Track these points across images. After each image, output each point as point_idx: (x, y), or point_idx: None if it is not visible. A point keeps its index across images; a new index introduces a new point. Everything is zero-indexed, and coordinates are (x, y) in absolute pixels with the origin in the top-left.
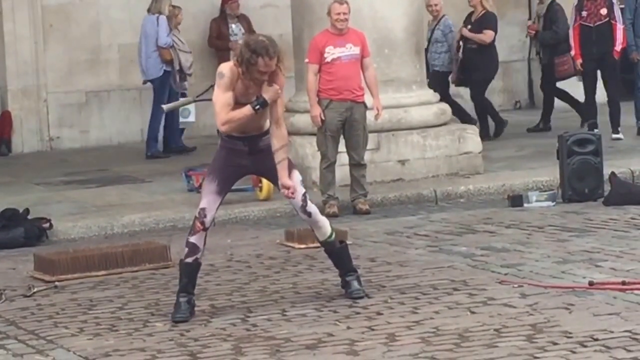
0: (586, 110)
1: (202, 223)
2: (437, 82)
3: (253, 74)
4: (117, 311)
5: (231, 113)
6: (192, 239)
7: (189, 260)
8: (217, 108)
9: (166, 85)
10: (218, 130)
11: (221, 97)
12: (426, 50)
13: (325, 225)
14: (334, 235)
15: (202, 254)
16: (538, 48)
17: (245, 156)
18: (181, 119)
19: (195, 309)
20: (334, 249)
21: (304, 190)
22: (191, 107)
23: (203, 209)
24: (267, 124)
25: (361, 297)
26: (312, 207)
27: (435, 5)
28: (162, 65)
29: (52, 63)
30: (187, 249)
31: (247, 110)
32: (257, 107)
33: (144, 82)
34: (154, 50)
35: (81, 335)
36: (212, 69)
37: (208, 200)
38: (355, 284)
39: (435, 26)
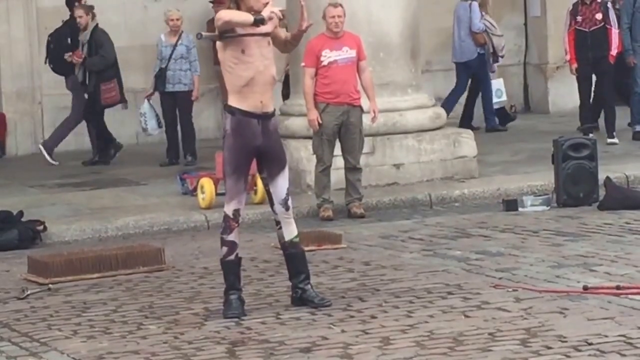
0: (582, 115)
1: (237, 222)
2: (186, 103)
3: (249, 4)
4: (111, 314)
5: (232, 11)
6: (230, 237)
7: (231, 257)
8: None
9: (481, 67)
10: (227, 109)
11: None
12: (165, 68)
13: (294, 225)
14: (299, 237)
15: (239, 248)
16: (81, 76)
17: (258, 136)
18: (495, 99)
19: (189, 312)
20: (297, 251)
21: (288, 185)
22: (501, 86)
23: (238, 210)
24: (273, 104)
25: (329, 305)
26: (291, 202)
27: (177, 19)
28: (476, 49)
29: (46, 66)
30: (225, 248)
31: (247, 16)
32: (257, 18)
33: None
34: (467, 35)
35: (75, 337)
36: (211, 72)
37: (239, 200)
38: (313, 292)
39: (178, 42)
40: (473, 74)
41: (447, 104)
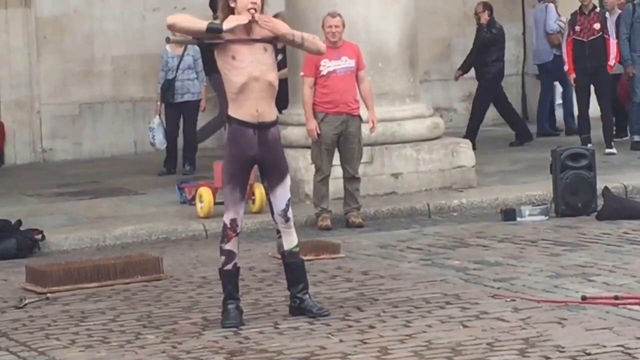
0: (581, 124)
1: (234, 231)
2: (193, 112)
3: (241, 12)
4: (109, 323)
5: (186, 16)
6: (228, 246)
7: (229, 267)
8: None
9: (556, 69)
10: (227, 119)
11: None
12: (173, 79)
13: (295, 235)
14: (299, 247)
15: (238, 257)
16: None
17: (254, 146)
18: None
19: (187, 321)
20: (296, 260)
21: (289, 196)
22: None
23: (234, 220)
24: (276, 113)
25: (328, 314)
26: (291, 213)
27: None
28: (552, 50)
29: (45, 75)
30: (223, 257)
31: (200, 24)
32: (211, 26)
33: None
34: (543, 36)
35: (73, 347)
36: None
37: (236, 209)
38: (311, 301)
39: (184, 52)
40: (556, 77)
41: (541, 111)
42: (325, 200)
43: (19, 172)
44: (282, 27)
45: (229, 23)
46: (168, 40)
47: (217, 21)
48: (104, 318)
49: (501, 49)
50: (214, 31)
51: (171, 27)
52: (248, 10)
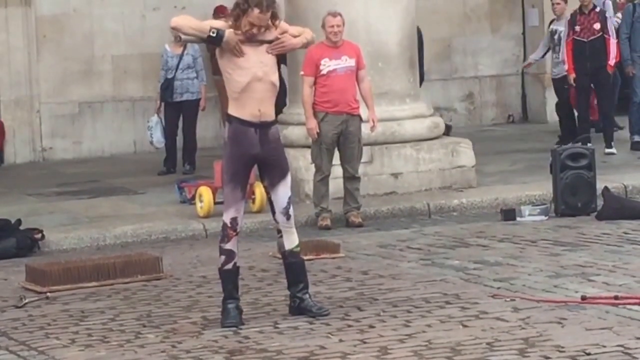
0: (581, 126)
1: (235, 230)
2: (192, 112)
3: (244, 26)
4: (109, 322)
5: (190, 18)
6: (228, 246)
7: (229, 266)
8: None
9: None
10: (227, 118)
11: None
12: (173, 78)
13: (296, 234)
14: (300, 247)
15: (237, 257)
16: None
17: (256, 145)
18: None
19: (187, 321)
20: (297, 260)
21: (290, 194)
22: None
23: (235, 219)
24: (273, 113)
25: (328, 314)
26: (292, 211)
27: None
28: None
29: (45, 74)
30: (223, 257)
31: (203, 30)
32: (213, 32)
33: None
34: None
35: (73, 346)
36: (210, 82)
37: (237, 208)
38: (311, 301)
39: (184, 52)
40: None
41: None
42: (325, 200)
43: (18, 171)
44: (295, 43)
45: (229, 42)
46: (179, 39)
47: (220, 24)
48: (104, 317)
49: (419, 54)
50: (214, 42)
51: (174, 30)
52: (244, 32)
